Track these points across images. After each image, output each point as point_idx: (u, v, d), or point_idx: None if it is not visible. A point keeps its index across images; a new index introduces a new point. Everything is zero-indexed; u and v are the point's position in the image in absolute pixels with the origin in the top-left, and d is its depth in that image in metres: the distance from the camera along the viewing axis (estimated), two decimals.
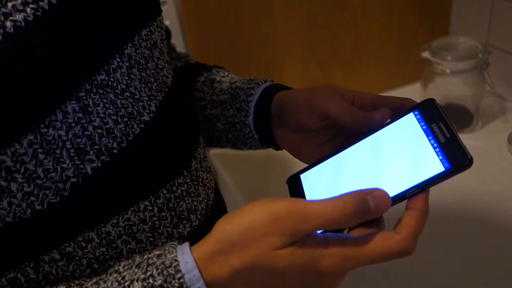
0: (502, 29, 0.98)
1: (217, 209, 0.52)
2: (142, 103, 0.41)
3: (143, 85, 0.41)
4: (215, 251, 0.35)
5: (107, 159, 0.38)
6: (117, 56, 0.38)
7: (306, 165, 0.46)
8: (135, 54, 0.40)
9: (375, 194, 0.34)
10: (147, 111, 0.41)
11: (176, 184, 0.44)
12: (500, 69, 0.97)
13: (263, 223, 0.34)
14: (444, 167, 0.35)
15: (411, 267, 0.68)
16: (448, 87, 0.94)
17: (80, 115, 0.36)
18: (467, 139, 0.96)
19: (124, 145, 0.39)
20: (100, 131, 0.37)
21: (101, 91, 0.37)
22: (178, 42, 0.92)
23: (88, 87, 0.36)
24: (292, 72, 1.02)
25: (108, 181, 0.39)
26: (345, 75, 1.07)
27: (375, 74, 1.10)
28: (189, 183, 0.46)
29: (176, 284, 0.33)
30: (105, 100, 0.37)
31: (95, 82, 0.37)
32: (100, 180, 0.38)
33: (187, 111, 0.49)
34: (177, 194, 0.44)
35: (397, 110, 0.43)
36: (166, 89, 0.45)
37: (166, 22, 0.89)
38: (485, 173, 0.83)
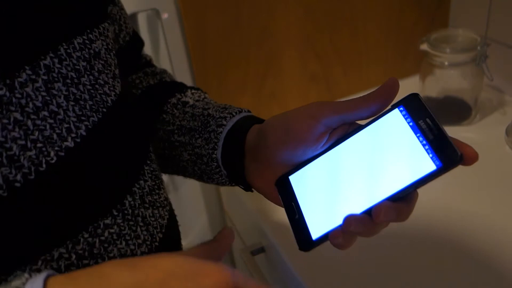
0: (501, 21, 0.98)
1: (165, 250, 0.43)
2: (68, 125, 0.34)
3: (72, 103, 0.35)
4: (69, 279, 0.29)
5: (4, 194, 0.30)
6: (27, 67, 0.32)
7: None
8: (59, 66, 0.34)
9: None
10: (73, 135, 0.34)
11: (102, 226, 0.36)
12: (499, 62, 0.97)
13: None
14: (436, 165, 0.34)
15: (408, 265, 0.69)
16: (446, 80, 0.94)
17: None
18: (465, 131, 0.97)
19: (32, 177, 0.32)
20: None
21: None
22: (176, 35, 0.91)
23: None
24: (291, 65, 1.02)
25: (5, 221, 0.31)
26: (343, 68, 1.07)
27: (374, 67, 1.10)
28: (122, 224, 0.38)
29: None
30: (5, 121, 0.31)
31: None
32: None
33: (128, 136, 0.42)
34: (103, 238, 0.36)
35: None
36: (104, 109, 0.38)
37: (164, 15, 0.89)
38: (483, 166, 0.83)
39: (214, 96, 1.02)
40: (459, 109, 0.96)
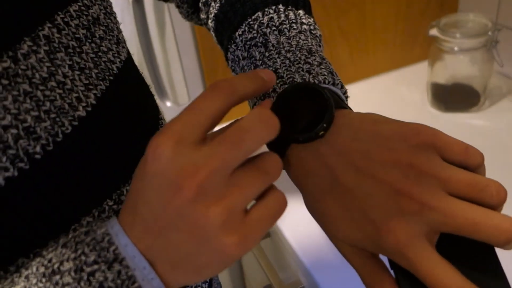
0: None
1: None
2: (77, 94, 0.34)
3: (77, 72, 0.34)
4: (130, 209, 0.30)
5: (27, 167, 0.31)
6: (27, 39, 0.32)
7: None
8: (58, 36, 0.34)
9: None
10: (84, 105, 0.34)
11: (125, 192, 0.37)
12: (509, 47, 0.96)
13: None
14: None
15: None
16: (456, 66, 0.93)
17: None
18: (473, 118, 0.96)
19: (51, 148, 0.32)
20: (14, 131, 0.30)
21: (6, 82, 0.30)
22: (185, 28, 0.90)
23: None
24: None
25: (29, 194, 0.32)
26: (351, 54, 1.06)
27: (382, 52, 1.09)
28: None
29: (111, 256, 0.29)
30: (15, 93, 0.31)
31: None
32: (17, 193, 0.31)
33: (137, 102, 0.41)
34: None
35: None
36: (111, 77, 0.37)
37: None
38: (491, 153, 0.83)
39: (220, 78, 1.00)
40: (468, 96, 0.95)
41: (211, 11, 0.49)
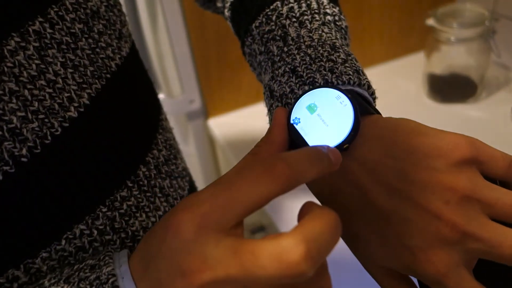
0: None
1: None
2: (69, 94, 0.32)
3: (70, 71, 0.32)
4: (142, 259, 0.28)
5: (12, 170, 0.29)
6: (14, 34, 0.29)
7: None
8: (51, 31, 0.31)
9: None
10: (76, 105, 0.32)
11: (119, 198, 0.35)
12: (507, 37, 0.95)
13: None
14: None
15: None
16: (452, 56, 0.92)
17: None
18: (470, 109, 0.95)
19: (39, 151, 0.30)
20: None
21: None
22: (177, 19, 0.89)
23: None
24: None
25: (15, 200, 0.30)
26: None
27: (378, 44, 1.07)
28: (139, 196, 0.36)
29: None
30: (0, 92, 0.29)
31: None
32: (3, 198, 0.29)
33: (136, 103, 0.39)
34: (123, 211, 0.35)
35: None
36: (108, 75, 0.35)
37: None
38: (489, 144, 0.82)
39: (214, 70, 1.00)
40: (464, 87, 0.94)
41: None
